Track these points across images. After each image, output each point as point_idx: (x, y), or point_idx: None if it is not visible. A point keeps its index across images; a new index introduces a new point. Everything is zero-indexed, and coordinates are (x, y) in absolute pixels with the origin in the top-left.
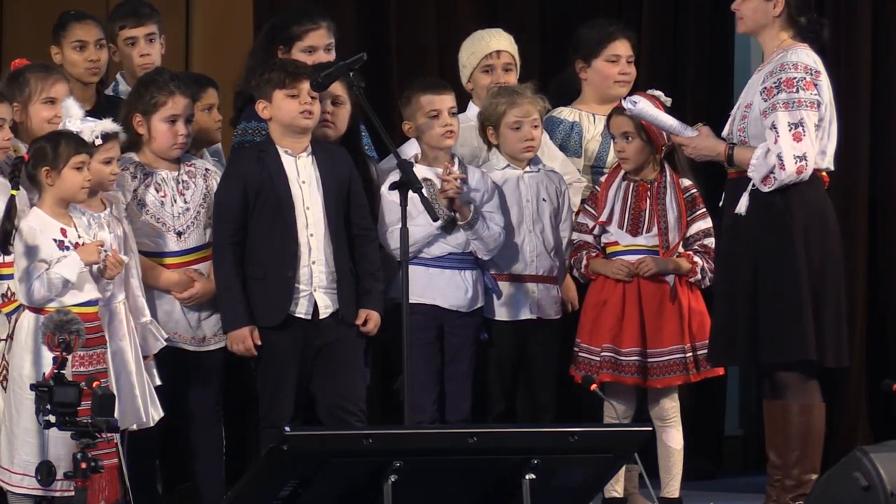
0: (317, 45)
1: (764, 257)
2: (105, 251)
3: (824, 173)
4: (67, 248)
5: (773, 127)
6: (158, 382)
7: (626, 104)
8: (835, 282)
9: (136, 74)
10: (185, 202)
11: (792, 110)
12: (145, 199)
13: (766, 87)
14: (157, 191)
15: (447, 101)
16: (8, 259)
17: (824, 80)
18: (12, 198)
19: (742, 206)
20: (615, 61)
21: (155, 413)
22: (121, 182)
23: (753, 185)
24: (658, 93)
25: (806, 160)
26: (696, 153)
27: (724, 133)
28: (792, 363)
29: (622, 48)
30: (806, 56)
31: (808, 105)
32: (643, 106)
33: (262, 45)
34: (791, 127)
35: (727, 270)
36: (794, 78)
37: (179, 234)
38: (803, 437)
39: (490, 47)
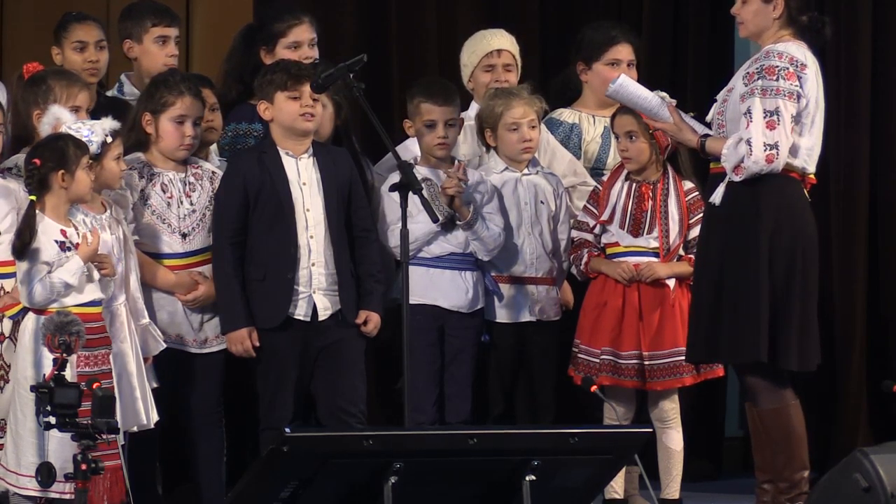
0: (301, 40)
1: (730, 254)
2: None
3: (810, 175)
4: (69, 249)
5: (748, 112)
6: (155, 385)
7: (609, 86)
8: (804, 284)
9: (154, 73)
10: (192, 204)
11: (768, 98)
12: (151, 199)
13: (748, 72)
14: (164, 192)
15: (446, 112)
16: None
17: (811, 75)
18: (32, 203)
19: (717, 196)
20: (616, 65)
21: (154, 415)
22: (129, 181)
23: (731, 178)
24: (663, 94)
25: (777, 149)
26: (672, 137)
27: (708, 117)
28: (758, 366)
29: (623, 52)
30: (795, 49)
31: (787, 95)
32: (621, 81)
33: (238, 48)
34: (766, 114)
35: (699, 263)
36: (777, 66)
37: (184, 235)
38: (784, 439)
39: (491, 46)
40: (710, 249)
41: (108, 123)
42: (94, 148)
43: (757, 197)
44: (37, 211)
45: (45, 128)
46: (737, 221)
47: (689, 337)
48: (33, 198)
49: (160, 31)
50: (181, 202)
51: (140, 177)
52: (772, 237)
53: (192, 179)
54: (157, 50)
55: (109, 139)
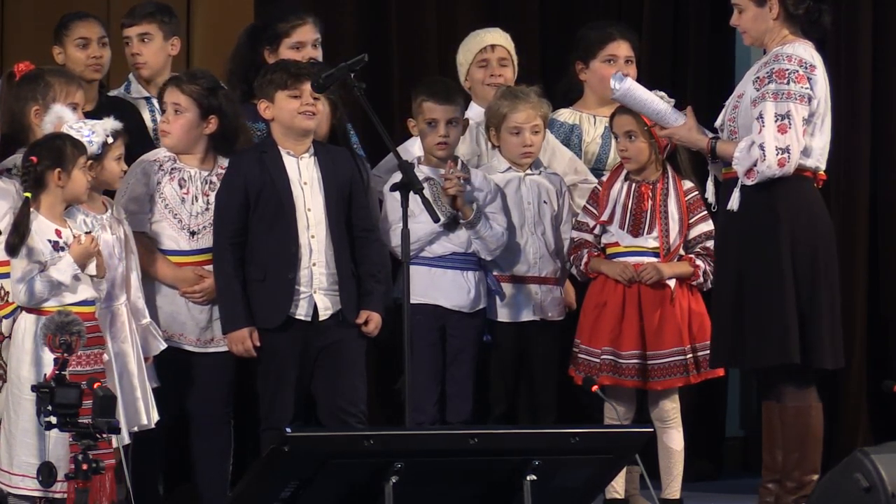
0: (305, 40)
1: (749, 259)
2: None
3: (821, 172)
4: (62, 249)
5: (760, 117)
6: (157, 384)
7: (613, 82)
8: (829, 284)
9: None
10: (207, 203)
11: (780, 101)
12: (165, 192)
13: (758, 77)
14: (181, 187)
15: (448, 111)
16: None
17: (819, 76)
18: (27, 201)
19: (734, 202)
20: (612, 62)
21: (154, 415)
22: (146, 170)
23: (743, 182)
24: (662, 93)
25: (789, 153)
26: (680, 142)
27: (717, 123)
28: (787, 367)
29: (620, 49)
30: (803, 50)
31: (798, 98)
32: (629, 85)
33: (243, 47)
34: (777, 118)
35: (719, 270)
36: (787, 70)
37: (193, 233)
38: (801, 438)
39: (484, 42)
40: (728, 255)
41: (110, 123)
42: (94, 148)
43: (774, 199)
44: (31, 209)
45: (46, 127)
46: (755, 225)
47: (712, 343)
48: (28, 195)
49: (125, 33)
50: (196, 199)
51: (160, 169)
52: (792, 239)
53: (214, 178)
54: (126, 51)
55: (110, 139)
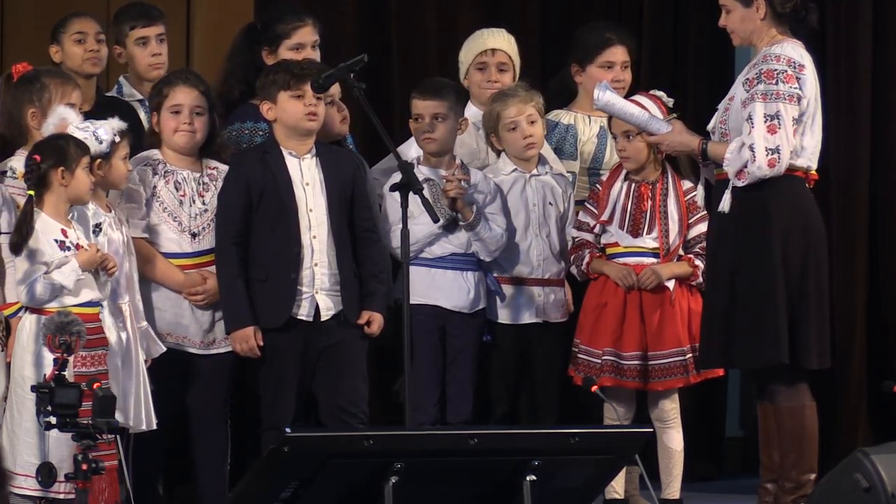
0: (305, 42)
1: (741, 259)
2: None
3: (813, 172)
4: (69, 249)
5: (750, 118)
6: (152, 387)
7: (596, 92)
8: (818, 283)
9: (145, 75)
10: (204, 204)
11: (769, 102)
12: (163, 196)
13: (747, 78)
14: (177, 189)
15: (430, 106)
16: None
17: (809, 75)
18: (30, 199)
19: (725, 204)
20: (609, 68)
21: (154, 416)
22: (142, 176)
23: (734, 183)
24: (661, 93)
25: (779, 153)
26: (671, 149)
27: (710, 126)
28: (778, 367)
29: (617, 55)
30: (791, 50)
31: (787, 98)
32: (609, 98)
33: (240, 47)
34: (767, 119)
35: (711, 271)
36: (775, 70)
37: (194, 235)
38: (797, 438)
39: (486, 45)
40: (721, 257)
41: (115, 123)
42: (104, 147)
43: (765, 200)
44: (35, 208)
45: (49, 128)
46: (747, 226)
47: (702, 344)
48: (31, 192)
49: (138, 34)
50: (193, 201)
51: (154, 173)
52: (784, 239)
53: (206, 180)
54: (139, 52)
55: (118, 138)
